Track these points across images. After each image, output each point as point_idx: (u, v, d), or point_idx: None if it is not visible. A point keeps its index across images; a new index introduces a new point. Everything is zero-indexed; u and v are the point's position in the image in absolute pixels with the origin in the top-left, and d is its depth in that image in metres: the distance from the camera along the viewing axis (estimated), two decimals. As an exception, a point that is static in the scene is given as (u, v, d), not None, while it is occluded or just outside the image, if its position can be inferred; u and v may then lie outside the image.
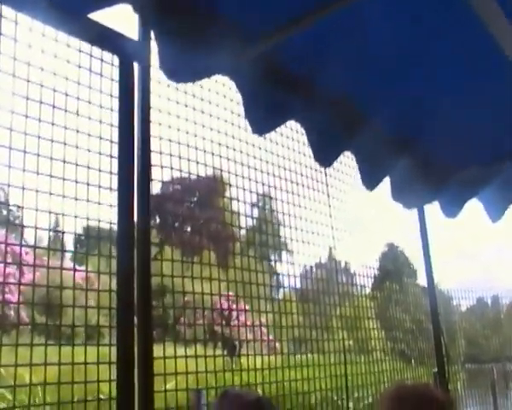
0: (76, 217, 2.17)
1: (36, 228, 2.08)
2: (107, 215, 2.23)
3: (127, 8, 2.38)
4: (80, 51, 2.26)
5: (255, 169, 3.37)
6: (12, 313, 7.42)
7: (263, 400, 1.38)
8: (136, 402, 1.89)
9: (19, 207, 2.11)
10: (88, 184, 2.20)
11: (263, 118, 2.84)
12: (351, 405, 5.54)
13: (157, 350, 2.18)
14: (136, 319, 2.07)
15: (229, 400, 1.36)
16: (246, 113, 2.80)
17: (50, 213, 2.10)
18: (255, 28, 2.68)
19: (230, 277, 3.73)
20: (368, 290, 6.18)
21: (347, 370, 4.45)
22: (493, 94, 3.28)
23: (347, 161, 4.02)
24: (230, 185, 3.35)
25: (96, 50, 2.30)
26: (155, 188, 2.48)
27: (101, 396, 2.34)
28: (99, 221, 2.31)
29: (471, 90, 3.28)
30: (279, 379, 3.72)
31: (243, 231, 4.14)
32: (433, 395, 1.76)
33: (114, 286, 2.09)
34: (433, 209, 4.72)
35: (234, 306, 5.11)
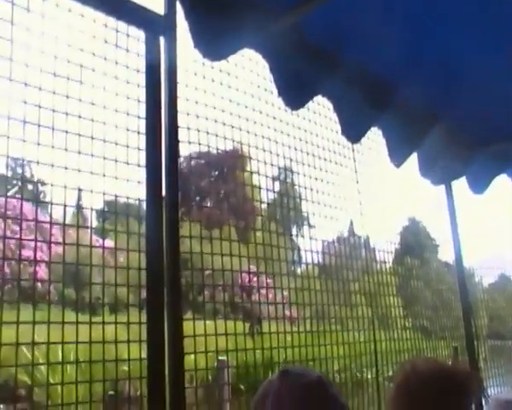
0: (104, 194, 2.15)
1: (65, 205, 2.07)
2: (134, 192, 2.22)
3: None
4: (106, 27, 2.22)
5: (283, 145, 3.34)
6: (40, 285, 7.50)
7: (324, 378, 1.31)
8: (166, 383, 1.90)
9: (44, 183, 2.11)
10: (116, 161, 2.19)
11: (293, 93, 2.80)
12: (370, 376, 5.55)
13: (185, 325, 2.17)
14: (165, 296, 2.06)
15: (289, 379, 1.27)
16: (277, 88, 2.76)
17: (80, 190, 2.09)
18: (282, 0, 2.63)
19: (254, 251, 3.70)
20: (389, 265, 6.11)
21: (371, 348, 4.44)
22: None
23: (375, 137, 3.95)
24: (258, 160, 3.30)
25: (123, 26, 2.27)
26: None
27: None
28: (127, 198, 2.30)
29: (499, 60, 3.18)
30: (302, 357, 3.70)
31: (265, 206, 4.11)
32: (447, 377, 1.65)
33: (143, 264, 2.09)
34: (460, 185, 4.66)
35: (255, 279, 5.11)
